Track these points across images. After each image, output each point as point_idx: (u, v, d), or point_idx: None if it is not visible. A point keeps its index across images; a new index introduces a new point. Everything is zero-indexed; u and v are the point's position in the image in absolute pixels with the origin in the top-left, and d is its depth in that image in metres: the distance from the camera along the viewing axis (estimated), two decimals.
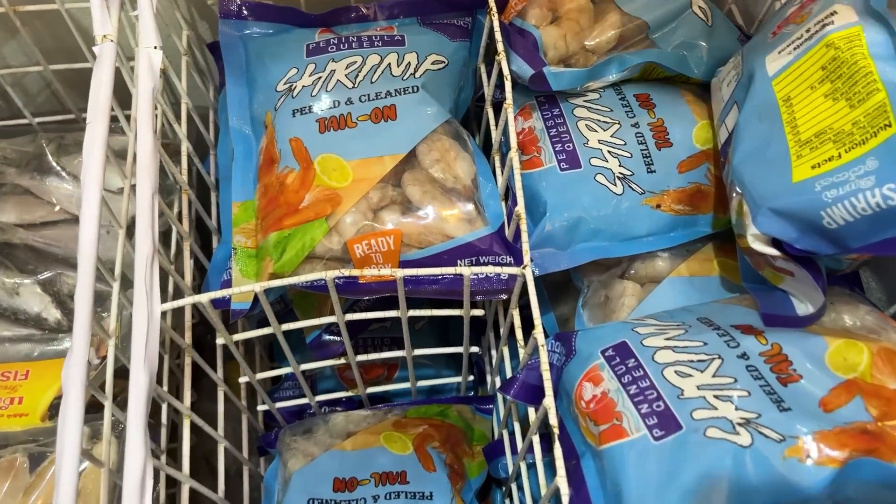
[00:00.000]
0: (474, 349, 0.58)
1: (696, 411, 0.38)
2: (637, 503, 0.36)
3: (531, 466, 0.52)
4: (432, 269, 0.45)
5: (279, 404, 0.61)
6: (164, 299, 0.54)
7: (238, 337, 0.50)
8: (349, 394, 0.63)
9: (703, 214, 0.54)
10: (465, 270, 0.45)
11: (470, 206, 0.50)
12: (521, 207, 0.47)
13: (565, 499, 0.38)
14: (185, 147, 0.56)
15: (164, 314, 0.44)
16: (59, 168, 0.67)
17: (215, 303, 0.54)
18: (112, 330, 0.49)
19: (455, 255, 0.49)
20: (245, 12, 0.58)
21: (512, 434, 0.57)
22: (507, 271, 0.45)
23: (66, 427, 0.39)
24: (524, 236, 0.46)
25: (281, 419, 0.63)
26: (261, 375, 0.55)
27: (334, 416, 0.61)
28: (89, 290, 0.41)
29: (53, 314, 0.63)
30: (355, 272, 0.45)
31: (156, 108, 0.52)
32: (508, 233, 0.50)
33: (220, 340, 0.50)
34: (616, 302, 0.53)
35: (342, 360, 0.57)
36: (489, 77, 0.59)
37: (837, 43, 0.43)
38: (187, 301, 0.45)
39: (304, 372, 0.55)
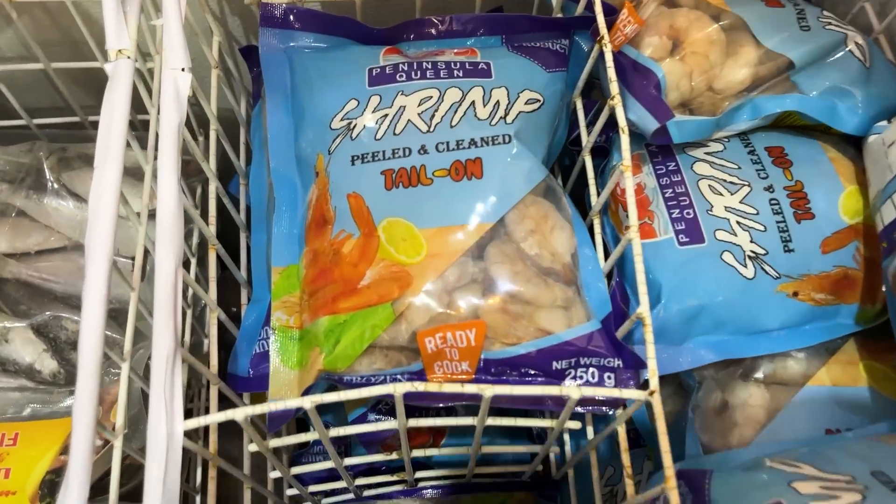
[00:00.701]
0: (556, 450, 0.48)
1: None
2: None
3: None
4: (531, 388, 0.35)
5: (310, 467, 0.51)
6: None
7: (276, 443, 0.40)
8: (393, 479, 0.53)
9: (846, 305, 0.44)
10: (574, 392, 0.35)
11: (570, 292, 0.40)
12: (644, 309, 0.36)
13: None
14: (214, 188, 0.46)
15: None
16: (58, 186, 0.57)
17: (241, 383, 0.44)
18: (119, 427, 0.40)
19: (550, 357, 0.39)
20: (292, 19, 0.47)
21: None
22: (627, 395, 0.35)
23: None
24: (650, 350, 0.36)
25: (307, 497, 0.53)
26: (296, 471, 0.46)
27: None
28: (93, 378, 0.31)
29: (49, 365, 0.53)
30: (433, 386, 0.35)
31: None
32: (618, 329, 0.40)
33: (252, 447, 0.40)
34: (739, 412, 0.43)
35: (393, 456, 0.47)
36: (587, 114, 0.48)
37: None
38: (219, 417, 0.35)
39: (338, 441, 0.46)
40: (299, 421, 0.62)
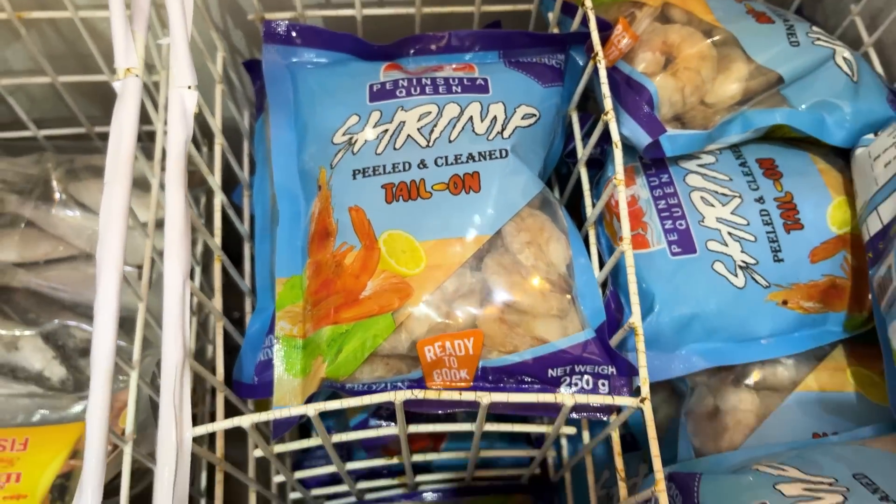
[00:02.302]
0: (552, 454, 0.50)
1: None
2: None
3: None
4: (526, 395, 0.36)
5: (313, 471, 0.52)
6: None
7: (281, 449, 0.42)
8: (394, 482, 0.54)
9: (834, 313, 0.45)
10: (568, 399, 0.36)
11: (566, 302, 0.41)
12: (636, 319, 0.38)
13: None
14: (220, 201, 0.47)
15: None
16: (66, 197, 0.58)
17: (245, 390, 0.45)
18: (129, 434, 0.41)
19: (546, 365, 0.41)
20: (294, 35, 0.48)
21: None
22: (620, 402, 0.37)
23: None
24: (641, 359, 0.37)
25: (310, 500, 0.54)
26: (300, 475, 0.47)
27: None
28: (104, 393, 0.32)
29: (57, 372, 0.55)
30: (432, 393, 0.37)
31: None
32: (612, 338, 0.41)
33: (258, 453, 0.42)
34: (729, 417, 0.44)
35: (394, 460, 0.48)
36: (582, 127, 0.49)
37: None
38: (226, 424, 0.36)
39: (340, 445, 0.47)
40: (302, 425, 0.64)
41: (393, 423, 0.50)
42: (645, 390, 0.36)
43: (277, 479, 0.48)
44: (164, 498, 0.34)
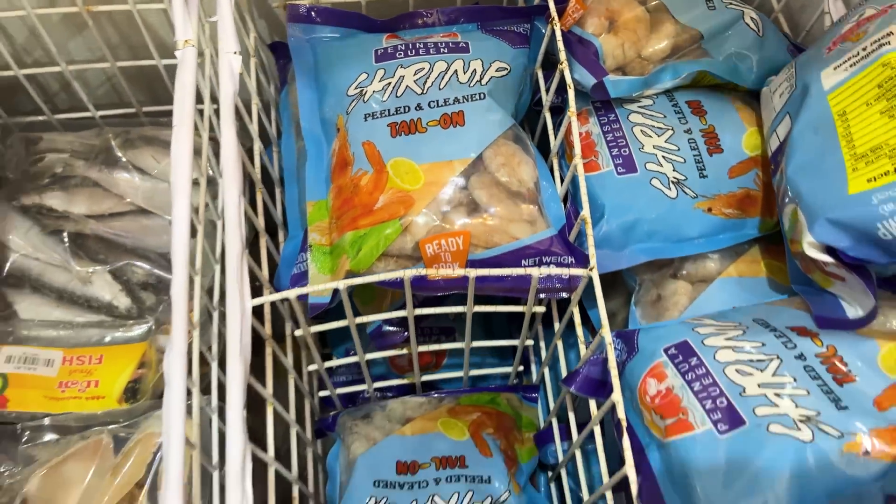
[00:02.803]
0: (530, 342, 0.61)
1: (758, 408, 0.41)
2: (707, 491, 0.39)
3: (584, 455, 0.56)
4: (503, 269, 0.48)
5: (337, 361, 0.64)
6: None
7: (316, 328, 0.53)
8: (403, 381, 0.66)
9: (751, 218, 0.57)
10: (535, 271, 0.48)
11: (534, 209, 0.53)
12: (586, 212, 0.49)
13: (634, 486, 0.42)
14: (258, 147, 0.59)
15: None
16: (125, 161, 0.70)
17: (281, 286, 0.57)
18: (196, 321, 0.52)
19: (519, 256, 0.52)
20: (313, 15, 0.60)
21: (560, 423, 0.60)
22: (574, 272, 0.48)
23: (171, 416, 0.42)
24: (590, 239, 0.49)
25: (339, 405, 0.66)
26: (328, 364, 0.59)
27: (390, 403, 0.64)
28: (184, 288, 0.44)
29: (124, 302, 0.66)
30: (432, 272, 0.48)
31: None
32: (570, 235, 0.53)
33: (298, 332, 0.53)
34: (668, 301, 0.56)
35: (404, 350, 0.60)
36: (546, 82, 0.61)
37: (894, 63, 0.45)
38: (277, 296, 0.48)
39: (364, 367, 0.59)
40: (323, 340, 0.75)
41: (401, 328, 0.62)
42: (593, 261, 0.48)
43: (311, 367, 0.59)
44: (234, 349, 0.45)
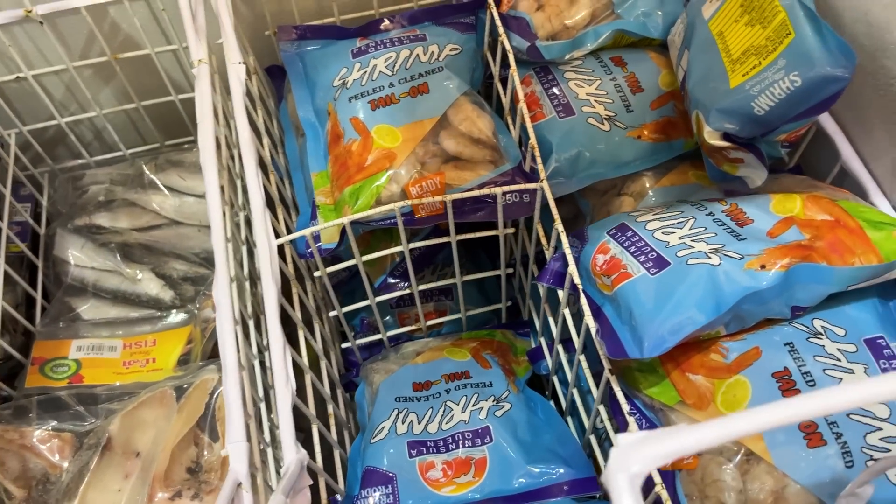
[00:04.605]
0: (510, 270, 0.73)
1: (679, 252, 0.53)
2: (645, 317, 0.50)
3: (566, 365, 0.67)
4: (472, 192, 0.60)
5: (357, 341, 0.76)
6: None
7: (332, 269, 0.65)
8: (412, 327, 0.77)
9: (675, 140, 0.69)
10: (498, 190, 0.60)
11: (495, 152, 0.66)
12: (533, 139, 0.62)
13: (593, 329, 0.53)
14: (266, 142, 0.72)
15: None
16: (157, 181, 0.83)
17: (302, 251, 0.69)
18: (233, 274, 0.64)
19: (486, 186, 0.64)
20: (299, 33, 0.74)
21: (549, 343, 0.71)
22: (529, 187, 0.61)
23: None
24: (539, 160, 0.61)
25: (358, 356, 0.77)
26: (346, 308, 0.70)
27: (403, 345, 0.75)
28: (224, 250, 0.56)
29: (168, 293, 0.78)
30: (416, 202, 0.61)
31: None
32: (526, 167, 0.65)
33: (317, 273, 0.65)
34: (616, 214, 0.68)
35: (407, 290, 0.71)
36: (495, 58, 0.75)
37: None
38: (295, 235, 0.60)
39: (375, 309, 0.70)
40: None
41: (403, 281, 0.73)
42: (543, 175, 0.60)
43: (332, 313, 0.70)
44: (266, 270, 0.57)
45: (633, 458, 0.28)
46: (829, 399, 0.28)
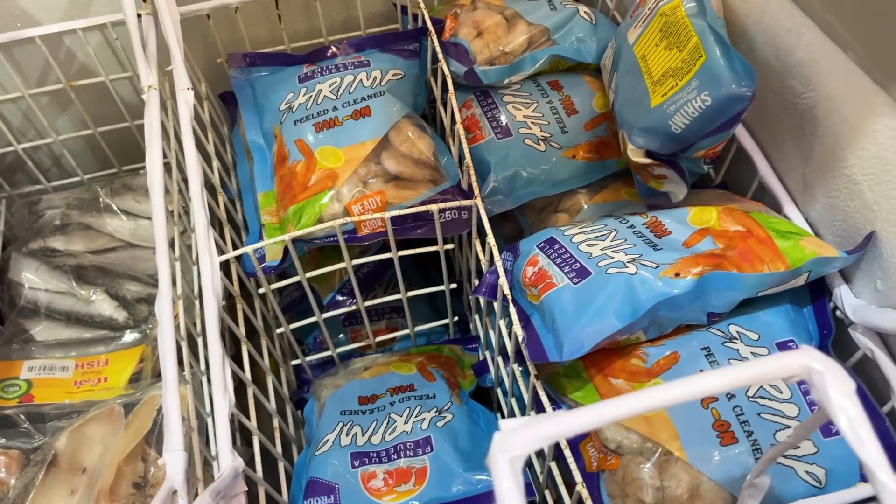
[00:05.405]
0: (454, 286, 0.75)
1: (600, 262, 0.55)
2: (568, 322, 0.53)
3: (505, 376, 0.69)
4: (412, 209, 0.63)
5: (308, 358, 0.77)
6: None
7: (276, 285, 0.67)
8: (362, 343, 0.79)
9: (608, 160, 0.73)
10: (434, 206, 0.63)
11: (435, 172, 0.68)
12: (468, 159, 0.65)
13: (520, 337, 0.55)
14: (216, 164, 0.74)
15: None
16: (113, 205, 0.85)
17: (249, 269, 0.71)
18: (180, 293, 0.66)
19: (425, 205, 0.67)
20: (249, 60, 0.77)
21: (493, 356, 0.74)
22: (464, 204, 0.63)
23: (166, 359, 0.55)
24: (473, 178, 0.64)
25: (310, 373, 0.79)
26: (294, 325, 0.72)
27: (352, 361, 0.77)
28: (168, 271, 0.58)
29: (122, 314, 0.80)
30: (356, 219, 0.63)
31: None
32: (464, 185, 0.68)
33: (261, 290, 0.67)
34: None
35: (355, 307, 0.73)
36: (437, 83, 0.78)
37: (667, 11, 0.62)
38: (237, 252, 0.62)
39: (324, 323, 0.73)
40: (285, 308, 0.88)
41: (350, 297, 0.76)
42: (476, 193, 0.63)
43: (280, 330, 0.72)
44: (207, 285, 0.59)
45: (513, 441, 0.30)
46: (693, 386, 0.31)
